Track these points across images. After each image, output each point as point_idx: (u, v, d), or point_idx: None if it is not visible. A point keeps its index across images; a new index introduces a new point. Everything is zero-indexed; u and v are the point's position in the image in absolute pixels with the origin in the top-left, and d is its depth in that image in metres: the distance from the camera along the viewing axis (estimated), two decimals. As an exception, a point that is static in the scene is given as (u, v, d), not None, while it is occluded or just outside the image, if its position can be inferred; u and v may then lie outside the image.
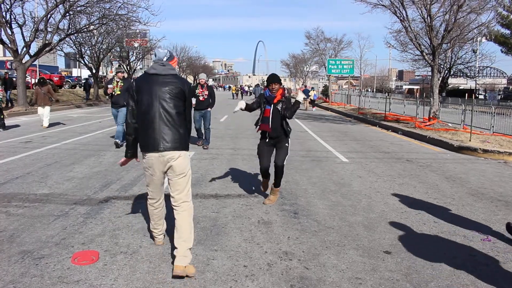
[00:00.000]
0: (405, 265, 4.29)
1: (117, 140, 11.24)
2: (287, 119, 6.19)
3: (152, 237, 4.76)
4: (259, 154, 6.41)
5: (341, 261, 4.37)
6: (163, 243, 4.69)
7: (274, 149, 6.34)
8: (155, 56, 4.30)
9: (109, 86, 11.30)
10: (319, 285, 3.82)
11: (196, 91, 11.26)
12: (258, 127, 6.32)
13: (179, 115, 4.15)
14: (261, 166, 6.40)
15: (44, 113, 15.70)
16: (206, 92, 11.35)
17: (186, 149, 4.21)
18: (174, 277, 3.88)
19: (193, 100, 10.60)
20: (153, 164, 4.12)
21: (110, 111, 12.46)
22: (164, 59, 4.26)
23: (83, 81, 40.48)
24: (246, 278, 3.95)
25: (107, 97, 12.32)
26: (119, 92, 11.15)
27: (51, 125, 16.13)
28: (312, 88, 38.67)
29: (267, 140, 6.25)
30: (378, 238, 5.03)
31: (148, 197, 4.47)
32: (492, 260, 4.46)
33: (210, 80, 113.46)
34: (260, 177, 7.16)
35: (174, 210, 4.17)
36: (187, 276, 3.90)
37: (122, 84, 11.19)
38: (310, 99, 32.90)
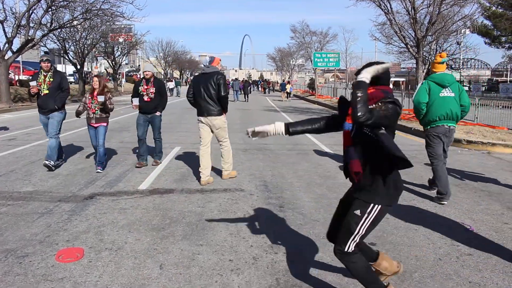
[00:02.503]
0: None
1: (47, 162, 7.91)
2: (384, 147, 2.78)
3: (198, 179, 7.22)
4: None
5: (326, 253, 4.39)
6: (205, 183, 7.09)
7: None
8: (203, 63, 7.35)
9: (32, 83, 7.97)
10: (304, 278, 3.84)
11: (140, 88, 8.44)
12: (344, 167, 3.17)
13: (216, 96, 7.00)
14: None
15: None
16: (153, 90, 8.41)
17: (221, 114, 7.18)
18: (224, 179, 7.45)
19: (135, 101, 8.32)
20: (203, 121, 7.14)
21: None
22: (207, 63, 7.22)
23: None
24: (232, 272, 3.95)
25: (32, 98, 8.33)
26: (47, 92, 7.95)
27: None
28: (288, 82, 41.94)
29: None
30: (363, 230, 5.06)
31: (200, 144, 7.29)
32: (475, 250, 4.52)
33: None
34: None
35: (220, 147, 7.47)
36: (230, 177, 7.53)
37: (51, 79, 8.01)
38: (287, 92, 39.20)
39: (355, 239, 2.99)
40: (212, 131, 7.27)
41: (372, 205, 2.93)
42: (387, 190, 2.93)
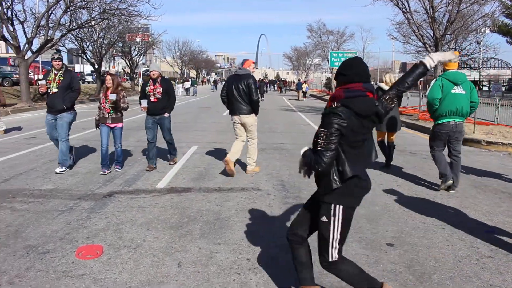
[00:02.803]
0: (408, 257, 4.29)
1: (58, 170, 7.74)
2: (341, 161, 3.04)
3: (225, 159, 7.51)
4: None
5: (344, 253, 4.35)
6: (227, 163, 7.40)
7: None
8: (238, 65, 8.27)
9: (41, 82, 7.74)
10: (322, 278, 3.83)
11: (146, 88, 8.10)
12: None
13: (247, 96, 7.49)
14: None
15: None
16: (160, 90, 8.01)
17: (251, 113, 7.64)
18: (248, 174, 7.84)
19: (144, 103, 7.94)
20: (236, 120, 7.71)
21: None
22: (240, 65, 7.95)
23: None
24: (249, 271, 3.96)
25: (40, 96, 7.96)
26: (56, 90, 7.66)
27: (8, 130, 13.43)
28: (304, 81, 42.31)
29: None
30: (381, 231, 5.03)
31: (235, 136, 7.85)
32: (496, 252, 4.46)
33: (213, 74, 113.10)
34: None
35: (248, 143, 7.89)
36: (254, 172, 7.90)
37: (61, 78, 7.71)
38: (303, 91, 39.41)
39: (334, 245, 2.98)
40: (245, 129, 7.80)
41: (333, 205, 2.93)
42: (346, 189, 2.94)
